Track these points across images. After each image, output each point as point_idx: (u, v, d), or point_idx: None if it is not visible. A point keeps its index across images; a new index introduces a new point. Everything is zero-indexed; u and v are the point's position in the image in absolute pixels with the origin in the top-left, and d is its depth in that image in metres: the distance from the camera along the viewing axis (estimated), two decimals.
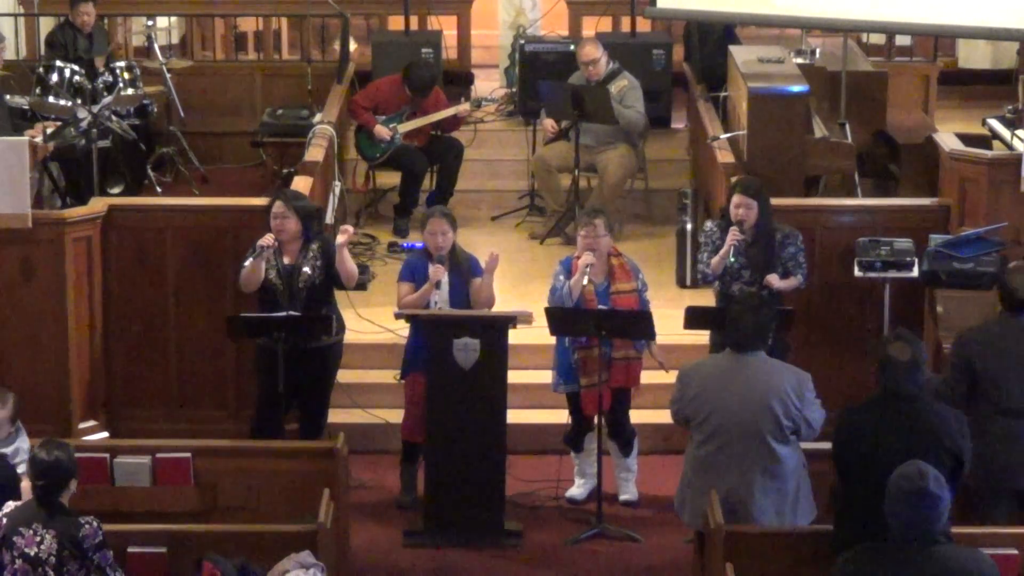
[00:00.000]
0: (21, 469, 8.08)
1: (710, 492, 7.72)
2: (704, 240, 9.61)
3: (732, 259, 9.29)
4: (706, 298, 10.05)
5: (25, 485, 7.94)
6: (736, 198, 9.38)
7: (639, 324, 9.15)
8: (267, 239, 9.15)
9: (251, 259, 9.15)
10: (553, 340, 9.51)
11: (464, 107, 12.77)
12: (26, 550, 7.01)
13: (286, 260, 9.26)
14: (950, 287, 9.80)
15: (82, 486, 7.64)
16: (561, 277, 9.33)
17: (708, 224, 9.72)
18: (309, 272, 9.24)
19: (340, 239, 9.24)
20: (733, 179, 10.11)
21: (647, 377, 9.55)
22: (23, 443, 8.29)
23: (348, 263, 9.28)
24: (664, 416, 9.96)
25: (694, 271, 9.69)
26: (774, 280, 9.29)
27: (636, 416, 9.66)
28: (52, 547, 7.00)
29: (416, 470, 9.55)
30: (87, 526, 7.04)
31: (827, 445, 7.32)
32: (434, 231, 9.38)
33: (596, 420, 9.29)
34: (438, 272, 9.30)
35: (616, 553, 9.08)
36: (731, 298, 9.20)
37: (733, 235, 9.28)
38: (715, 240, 9.47)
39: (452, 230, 9.41)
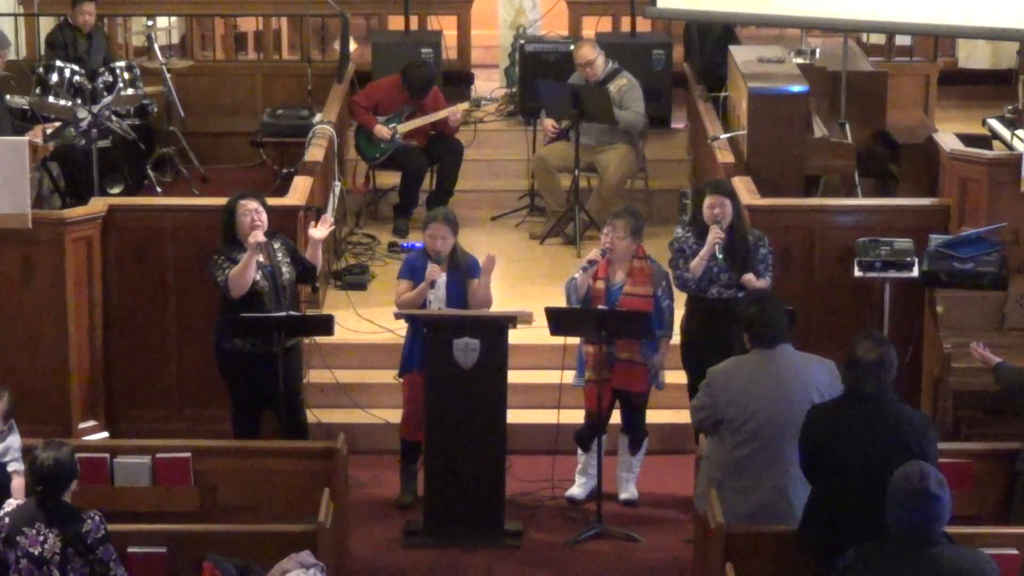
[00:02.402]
0: (12, 467, 8.07)
1: (749, 493, 7.68)
2: (677, 247, 9.50)
3: (719, 255, 9.24)
4: None
5: (16, 484, 7.94)
6: (709, 199, 9.33)
7: (636, 325, 9.14)
8: (258, 236, 8.98)
9: (243, 258, 8.94)
10: (554, 340, 9.53)
11: (456, 108, 12.63)
12: (30, 550, 7.01)
13: (263, 261, 9.14)
14: (950, 287, 9.80)
15: (82, 486, 7.63)
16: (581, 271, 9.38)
17: (678, 231, 9.61)
18: (286, 271, 9.20)
19: (319, 234, 9.22)
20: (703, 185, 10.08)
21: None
22: (15, 441, 8.23)
23: (319, 256, 9.30)
24: (663, 417, 10.04)
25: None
26: (753, 279, 9.26)
27: None
28: (55, 546, 7.00)
29: (416, 470, 9.54)
30: (89, 521, 7.05)
31: None
32: (434, 235, 9.36)
33: (601, 420, 9.29)
34: (434, 272, 9.28)
35: (616, 553, 9.08)
36: (713, 301, 9.27)
37: (715, 233, 9.22)
38: (690, 245, 9.38)
39: (453, 235, 9.38)
